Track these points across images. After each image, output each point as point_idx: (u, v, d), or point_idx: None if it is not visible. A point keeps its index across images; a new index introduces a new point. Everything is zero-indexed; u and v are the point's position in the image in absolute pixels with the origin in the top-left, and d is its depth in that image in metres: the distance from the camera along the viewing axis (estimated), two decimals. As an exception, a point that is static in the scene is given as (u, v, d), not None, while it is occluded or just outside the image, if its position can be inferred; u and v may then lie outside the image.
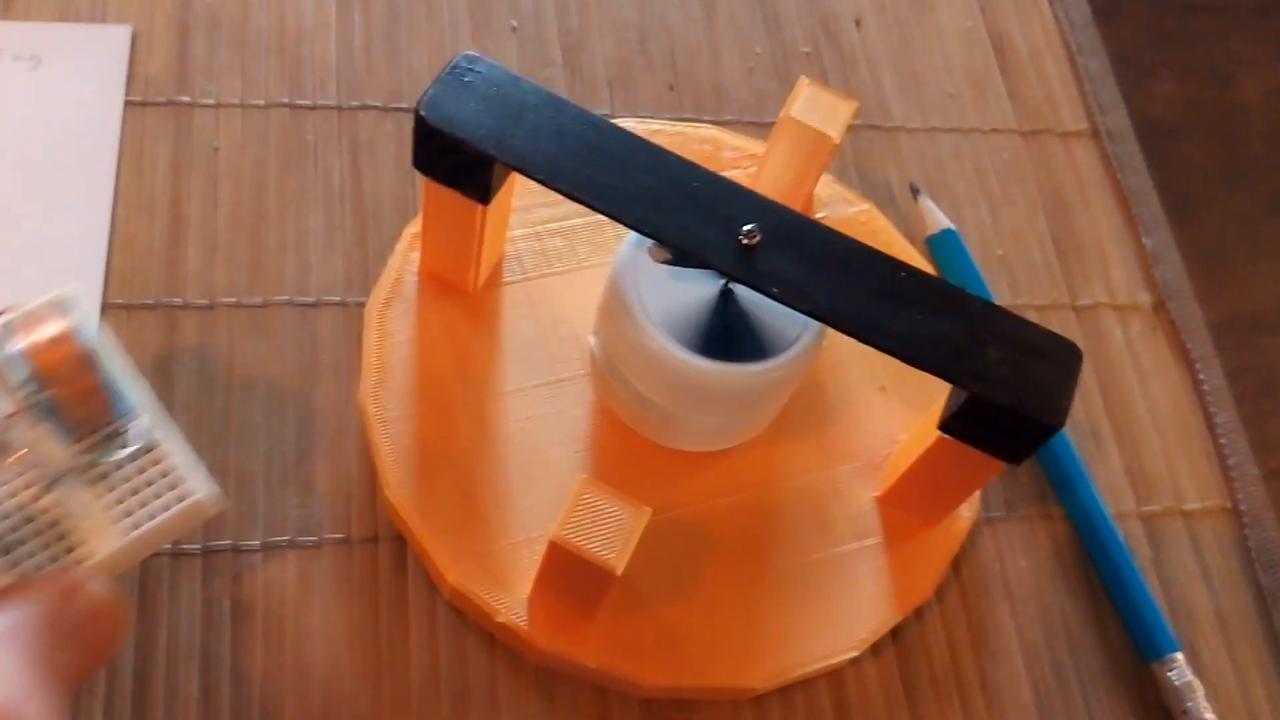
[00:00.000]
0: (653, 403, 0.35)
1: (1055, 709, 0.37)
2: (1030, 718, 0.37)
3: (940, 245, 0.43)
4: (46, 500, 0.29)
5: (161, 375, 0.37)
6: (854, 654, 0.35)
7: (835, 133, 0.38)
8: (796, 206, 0.40)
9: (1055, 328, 0.43)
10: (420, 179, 0.35)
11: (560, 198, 0.32)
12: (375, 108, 0.43)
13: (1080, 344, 0.42)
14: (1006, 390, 0.31)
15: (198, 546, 0.35)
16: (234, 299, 0.39)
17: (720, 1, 0.48)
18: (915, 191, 0.45)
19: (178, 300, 0.38)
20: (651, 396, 0.35)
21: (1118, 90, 0.49)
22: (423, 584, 0.36)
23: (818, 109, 0.38)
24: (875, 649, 0.37)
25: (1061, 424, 0.31)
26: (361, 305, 0.39)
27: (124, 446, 0.29)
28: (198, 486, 0.29)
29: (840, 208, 0.43)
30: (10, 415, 0.28)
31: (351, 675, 0.34)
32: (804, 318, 0.34)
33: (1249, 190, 0.49)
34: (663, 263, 0.34)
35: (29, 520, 0.28)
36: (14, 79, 0.41)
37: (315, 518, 0.36)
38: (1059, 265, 0.45)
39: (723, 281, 0.34)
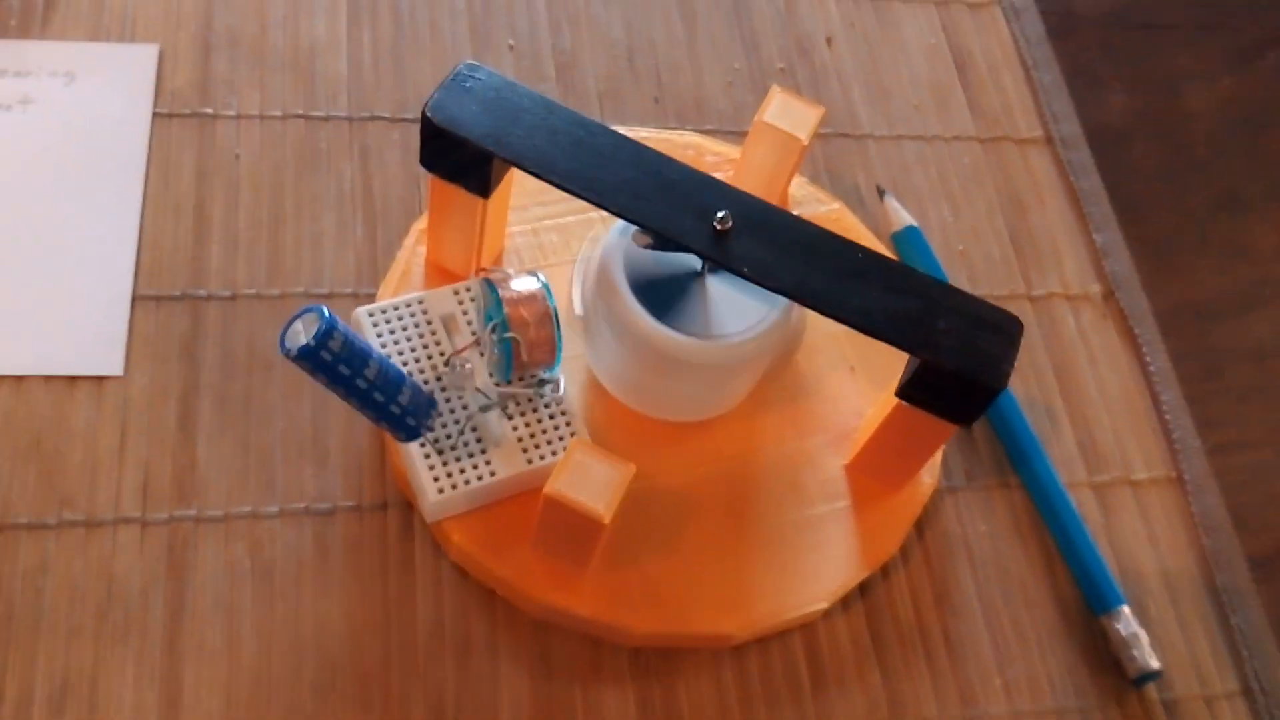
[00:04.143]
0: (639, 377, 0.39)
1: (1013, 659, 0.41)
2: (989, 668, 0.40)
3: (904, 241, 0.47)
4: (478, 419, 0.37)
5: (188, 359, 0.41)
6: (824, 605, 0.39)
7: (804, 135, 0.42)
8: (772, 203, 0.44)
9: (1012, 316, 0.46)
10: (426, 177, 0.38)
11: (555, 197, 0.36)
12: (383, 118, 0.47)
13: (1035, 331, 0.47)
14: (954, 356, 0.34)
15: (220, 512, 0.38)
16: (254, 291, 0.42)
17: (702, 22, 0.52)
18: (881, 192, 0.48)
19: (202, 292, 0.42)
20: (637, 371, 0.38)
21: (1070, 101, 0.53)
22: (429, 546, 0.39)
23: (788, 114, 0.42)
24: (846, 605, 0.40)
25: (1003, 386, 0.34)
26: (372, 295, 0.42)
27: (543, 395, 0.37)
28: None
29: (813, 206, 0.47)
30: (464, 349, 0.37)
31: (363, 630, 0.37)
32: (774, 297, 0.37)
33: (1195, 190, 0.53)
34: (645, 247, 0.37)
35: (462, 432, 0.36)
36: (50, 94, 0.45)
37: (329, 486, 0.39)
38: (1015, 259, 0.49)
39: (700, 264, 0.38)
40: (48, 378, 0.39)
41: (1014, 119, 0.52)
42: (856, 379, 0.43)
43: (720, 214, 0.35)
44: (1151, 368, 0.47)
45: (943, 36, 0.54)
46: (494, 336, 0.36)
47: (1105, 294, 0.49)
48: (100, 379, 0.40)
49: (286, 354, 0.31)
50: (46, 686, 0.35)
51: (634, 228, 0.37)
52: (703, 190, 0.36)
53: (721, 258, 0.35)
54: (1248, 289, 0.51)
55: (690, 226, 0.35)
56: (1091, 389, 0.46)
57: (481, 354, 0.38)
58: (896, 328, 0.34)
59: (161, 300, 0.42)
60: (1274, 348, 0.50)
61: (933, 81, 0.53)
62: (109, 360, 0.40)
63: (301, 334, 0.31)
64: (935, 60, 0.53)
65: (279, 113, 0.46)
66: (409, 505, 0.39)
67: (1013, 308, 0.47)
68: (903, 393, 0.36)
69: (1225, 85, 0.56)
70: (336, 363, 0.31)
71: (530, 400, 0.38)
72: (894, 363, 0.39)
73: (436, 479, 0.36)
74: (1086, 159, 0.52)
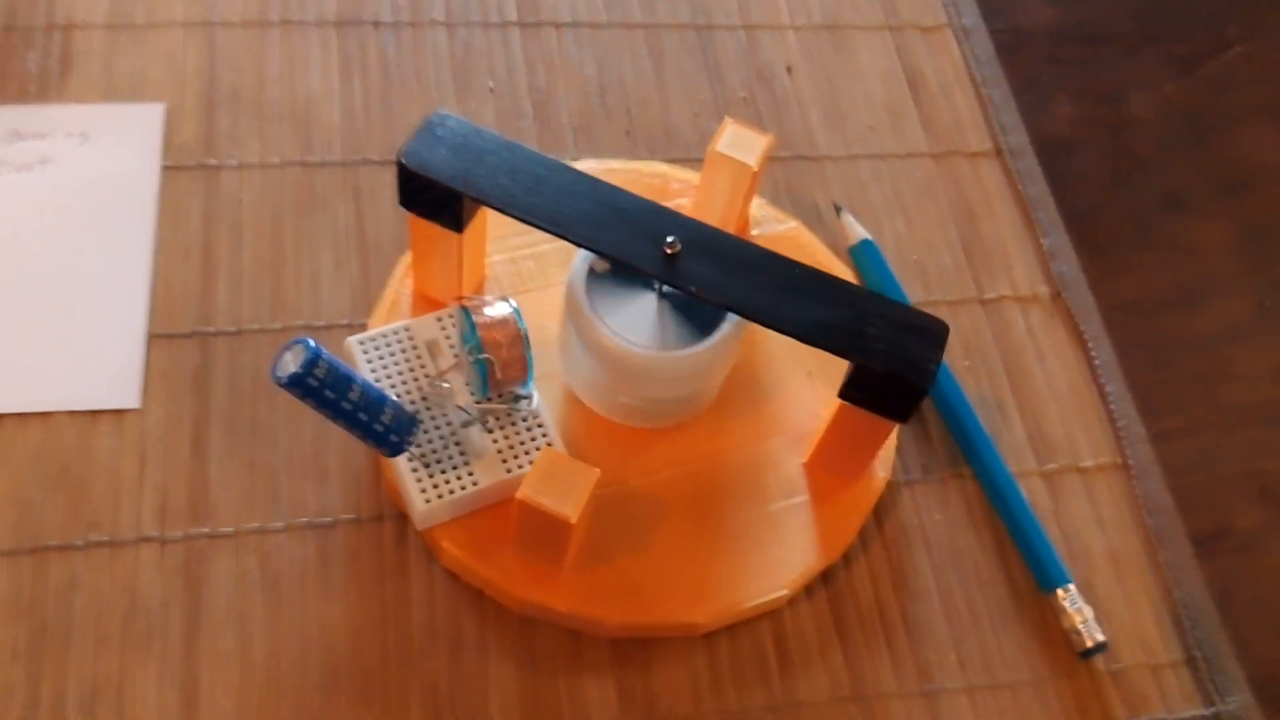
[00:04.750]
0: (609, 388, 0.42)
1: (968, 638, 0.44)
2: (946, 647, 0.44)
3: (860, 254, 0.50)
4: (460, 434, 0.41)
5: (198, 391, 0.44)
6: (785, 593, 0.42)
7: (754, 162, 0.45)
8: (731, 226, 0.47)
9: (964, 319, 0.50)
10: (407, 215, 0.42)
11: (532, 228, 0.39)
12: (374, 162, 0.51)
13: (987, 332, 0.50)
14: (883, 359, 0.38)
15: (230, 529, 0.42)
16: (258, 325, 0.46)
17: (669, 57, 0.56)
18: (838, 209, 0.52)
19: (210, 329, 0.46)
20: (607, 383, 0.42)
21: (1018, 114, 0.56)
22: (421, 553, 0.43)
23: (739, 143, 0.45)
24: (810, 592, 0.44)
25: (929, 385, 0.37)
26: (365, 326, 0.46)
27: (519, 409, 0.41)
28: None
29: (772, 225, 0.50)
30: (446, 371, 0.41)
31: (363, 632, 0.41)
32: (723, 312, 0.41)
33: (1141, 193, 0.56)
34: (604, 272, 0.41)
35: (446, 446, 0.40)
36: (68, 152, 0.49)
37: (329, 502, 0.43)
38: (967, 266, 0.52)
39: (657, 285, 0.41)
40: (72, 413, 0.43)
41: (965, 134, 0.56)
42: (814, 383, 0.46)
43: (669, 239, 0.39)
44: (1097, 361, 0.50)
45: (896, 60, 0.57)
46: (470, 358, 0.40)
47: (1053, 294, 0.52)
48: (120, 412, 0.44)
49: (278, 382, 0.35)
50: (78, 691, 0.39)
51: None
52: (653, 218, 0.39)
53: (672, 278, 0.39)
54: (1192, 284, 0.54)
55: (643, 251, 0.39)
56: (1040, 383, 0.50)
57: (462, 374, 0.42)
58: (831, 335, 0.38)
59: (173, 338, 0.45)
60: (1217, 338, 0.53)
61: (887, 102, 0.56)
62: (127, 394, 0.44)
63: (290, 363, 0.35)
64: (889, 82, 0.57)
65: (278, 160, 0.50)
66: (403, 516, 0.43)
67: (965, 311, 0.51)
68: (843, 394, 0.40)
69: (1168, 92, 0.60)
70: (322, 388, 0.35)
71: (508, 414, 0.41)
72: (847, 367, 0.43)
73: (424, 490, 0.40)
74: (1034, 168, 0.55)
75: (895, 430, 0.46)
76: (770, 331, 0.39)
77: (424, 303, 0.46)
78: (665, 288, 0.41)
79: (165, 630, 0.40)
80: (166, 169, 0.49)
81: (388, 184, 0.50)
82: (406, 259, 0.47)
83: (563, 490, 0.38)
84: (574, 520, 0.37)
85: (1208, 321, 0.53)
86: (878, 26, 0.58)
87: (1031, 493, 0.47)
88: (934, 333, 0.39)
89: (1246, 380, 0.52)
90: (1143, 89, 0.60)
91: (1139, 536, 0.47)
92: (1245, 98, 0.60)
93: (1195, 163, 0.58)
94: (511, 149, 0.40)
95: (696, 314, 0.41)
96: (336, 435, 0.44)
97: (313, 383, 0.35)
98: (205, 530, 0.42)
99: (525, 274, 0.47)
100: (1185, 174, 0.57)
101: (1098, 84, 0.59)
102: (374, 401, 0.37)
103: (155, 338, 0.45)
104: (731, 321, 0.41)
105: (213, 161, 0.50)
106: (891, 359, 0.38)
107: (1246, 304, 0.54)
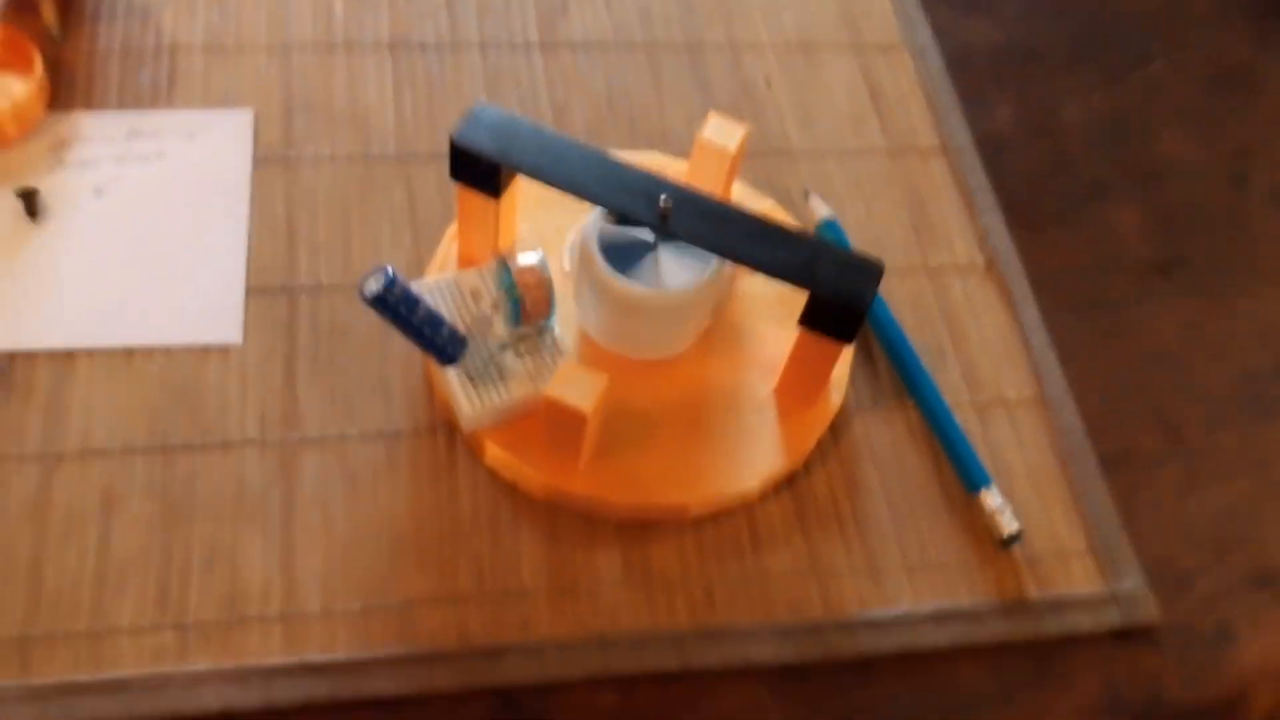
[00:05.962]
0: (614, 323, 0.53)
1: (907, 530, 0.54)
2: (889, 537, 0.54)
3: (824, 230, 0.61)
4: (497, 357, 0.51)
5: (287, 332, 0.55)
6: (756, 485, 0.52)
7: (733, 146, 0.56)
8: (716, 203, 0.58)
9: (911, 284, 0.61)
10: (455, 188, 0.53)
11: (551, 206, 0.50)
12: (423, 154, 0.62)
13: (930, 294, 0.60)
14: (830, 289, 0.48)
15: (317, 435, 0.53)
16: (331, 282, 0.57)
17: (667, 73, 0.67)
18: (806, 193, 0.63)
19: (295, 284, 0.57)
20: (612, 318, 0.53)
21: (964, 119, 0.67)
22: (466, 455, 0.53)
23: (721, 131, 0.56)
24: (777, 492, 0.54)
25: (867, 307, 0.48)
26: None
27: (544, 338, 0.52)
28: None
29: (752, 203, 0.61)
30: (491, 307, 0.52)
31: (422, 516, 0.52)
32: (708, 258, 0.51)
33: (1068, 182, 0.67)
34: (611, 224, 0.52)
35: (486, 367, 0.51)
36: (177, 149, 0.60)
37: (394, 416, 0.54)
38: (916, 242, 0.63)
39: (653, 236, 0.52)
40: (189, 348, 0.54)
41: (916, 134, 0.67)
42: (781, 326, 0.56)
43: (663, 197, 0.49)
44: (1023, 317, 0.61)
45: (859, 75, 0.68)
46: (506, 296, 0.51)
47: (987, 264, 0.62)
48: (226, 348, 0.54)
49: (364, 298, 0.45)
50: (201, 554, 0.49)
51: (603, 211, 0.52)
52: (649, 183, 0.50)
53: (665, 229, 0.49)
54: (1109, 255, 0.64)
55: (642, 208, 0.50)
56: (974, 335, 0.60)
57: (500, 311, 0.52)
58: (790, 270, 0.49)
59: (266, 291, 0.56)
60: (1127, 300, 0.63)
61: (851, 110, 0.67)
62: (231, 333, 0.55)
63: (374, 284, 0.46)
64: (853, 93, 0.68)
65: (345, 155, 0.61)
66: (451, 428, 0.54)
67: (912, 278, 0.61)
68: (802, 320, 0.50)
69: (1097, 101, 0.70)
70: (398, 304, 0.46)
71: (535, 342, 0.52)
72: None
73: (470, 400, 0.51)
74: (975, 163, 0.66)
75: (849, 359, 0.56)
76: (747, 286, 0.49)
77: (466, 264, 0.56)
78: (659, 238, 0.52)
79: (266, 511, 0.51)
80: (256, 161, 0.61)
81: (433, 173, 0.61)
82: (451, 231, 0.58)
83: (580, 390, 0.48)
84: (589, 413, 0.48)
85: (1120, 286, 0.63)
86: (844, 45, 0.69)
87: (964, 420, 0.57)
88: (871, 270, 0.49)
89: (1152, 334, 0.62)
90: (1074, 98, 0.70)
91: (1054, 455, 0.57)
92: (1164, 104, 0.71)
93: (1117, 159, 0.68)
94: (538, 132, 0.51)
95: (685, 260, 0.51)
96: (399, 365, 0.55)
97: (390, 299, 0.45)
98: (297, 436, 0.53)
99: (545, 242, 0.58)
100: (1108, 168, 0.68)
101: (1035, 94, 0.70)
102: (435, 320, 0.47)
103: (252, 291, 0.56)
104: (713, 267, 0.51)
105: (293, 154, 0.61)
106: (837, 289, 0.48)
107: (1155, 272, 0.64)
